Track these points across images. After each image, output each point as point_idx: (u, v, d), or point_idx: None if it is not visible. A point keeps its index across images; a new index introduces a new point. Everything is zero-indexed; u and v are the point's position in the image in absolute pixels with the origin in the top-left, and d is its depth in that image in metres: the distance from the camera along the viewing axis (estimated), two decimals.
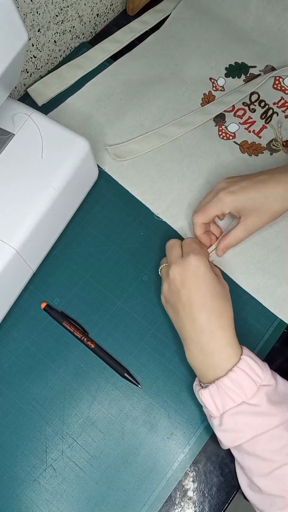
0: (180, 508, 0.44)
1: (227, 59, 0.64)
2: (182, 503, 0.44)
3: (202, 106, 0.60)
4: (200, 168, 0.57)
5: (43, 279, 0.52)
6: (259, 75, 0.63)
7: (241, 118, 0.60)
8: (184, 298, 0.43)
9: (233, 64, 0.63)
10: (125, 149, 0.57)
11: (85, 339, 0.48)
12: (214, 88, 0.62)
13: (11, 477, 0.44)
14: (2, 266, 0.42)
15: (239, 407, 0.40)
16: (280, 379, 0.42)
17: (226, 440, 0.41)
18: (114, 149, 0.57)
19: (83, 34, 0.66)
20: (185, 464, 0.45)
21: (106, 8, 0.67)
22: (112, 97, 0.61)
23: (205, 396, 0.41)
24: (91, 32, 0.68)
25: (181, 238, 0.51)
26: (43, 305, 0.50)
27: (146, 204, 0.55)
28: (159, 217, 0.54)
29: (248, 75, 0.63)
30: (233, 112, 0.60)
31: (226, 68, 0.63)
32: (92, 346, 0.48)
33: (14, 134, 0.47)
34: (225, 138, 0.59)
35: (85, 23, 0.65)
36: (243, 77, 0.62)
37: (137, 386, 0.47)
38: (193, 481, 0.45)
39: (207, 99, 0.61)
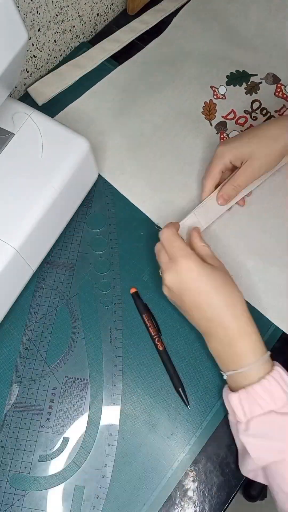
0: (180, 508, 0.44)
1: (228, 67, 0.63)
2: (182, 503, 0.44)
3: (203, 114, 0.60)
4: (201, 177, 0.56)
5: (43, 279, 0.52)
6: (260, 83, 0.62)
7: (243, 126, 0.60)
8: (189, 302, 0.43)
9: (234, 72, 0.63)
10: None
11: (156, 339, 0.48)
12: (215, 96, 0.61)
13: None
14: (2, 266, 0.42)
15: (267, 414, 0.39)
16: None
17: (254, 448, 0.39)
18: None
19: (83, 33, 0.66)
20: (185, 463, 0.45)
21: (106, 7, 0.67)
22: (112, 105, 0.61)
23: (234, 401, 0.40)
24: (91, 32, 0.67)
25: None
26: (132, 290, 0.50)
27: (147, 213, 0.55)
28: (159, 227, 0.54)
29: (249, 83, 0.62)
30: (234, 120, 0.60)
31: (227, 76, 0.63)
32: (161, 348, 0.48)
33: (14, 134, 0.47)
34: None
35: (85, 22, 0.65)
36: (244, 85, 0.62)
37: (186, 406, 0.46)
38: (193, 481, 0.45)
39: (208, 107, 0.60)
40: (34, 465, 0.44)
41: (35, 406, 0.46)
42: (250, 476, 0.42)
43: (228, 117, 0.60)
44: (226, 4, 0.67)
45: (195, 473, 0.45)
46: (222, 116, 0.60)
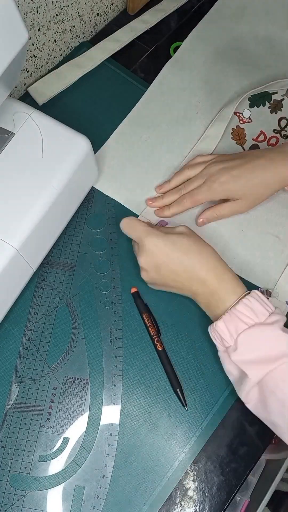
0: (181, 508, 0.44)
1: (246, 87, 0.61)
2: (182, 503, 0.44)
3: (233, 140, 0.59)
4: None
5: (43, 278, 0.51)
6: (282, 99, 0.61)
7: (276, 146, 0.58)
8: (167, 274, 0.46)
9: (255, 93, 0.61)
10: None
11: (155, 339, 0.48)
12: (241, 121, 0.60)
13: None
14: (2, 266, 0.42)
15: (253, 328, 0.41)
16: None
17: (248, 364, 0.41)
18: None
19: (83, 33, 0.66)
20: (185, 463, 0.45)
21: (107, 7, 0.67)
22: (140, 145, 0.59)
23: (220, 326, 0.42)
24: (91, 32, 0.67)
25: None
26: (133, 290, 0.51)
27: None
28: None
29: (272, 102, 0.61)
30: (266, 142, 0.59)
31: (249, 99, 0.61)
32: (160, 348, 0.48)
33: (14, 133, 0.47)
34: None
35: (85, 22, 0.65)
36: (267, 104, 0.61)
37: (184, 407, 0.46)
38: (193, 481, 0.45)
39: (237, 133, 0.59)
40: (34, 465, 0.44)
41: (35, 406, 0.46)
42: (249, 399, 0.43)
43: (258, 139, 0.59)
44: (234, 24, 0.66)
45: (195, 473, 0.45)
46: (253, 139, 0.59)
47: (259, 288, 0.51)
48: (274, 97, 0.62)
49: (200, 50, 0.65)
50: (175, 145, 0.59)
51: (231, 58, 0.64)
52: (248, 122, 0.60)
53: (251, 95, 0.61)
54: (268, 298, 0.50)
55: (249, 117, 0.60)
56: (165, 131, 0.60)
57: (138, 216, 0.55)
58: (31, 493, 0.43)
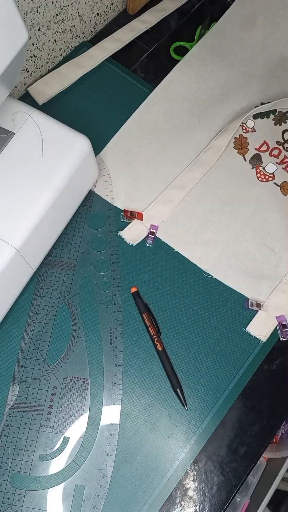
0: (181, 507, 0.44)
1: (252, 101, 0.61)
2: (182, 502, 0.44)
3: (235, 149, 0.58)
4: (242, 216, 0.55)
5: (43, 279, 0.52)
6: (287, 112, 0.60)
7: (278, 158, 0.58)
8: None
9: (259, 105, 0.61)
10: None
11: (155, 339, 0.48)
12: (245, 131, 0.60)
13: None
14: (2, 266, 0.42)
15: None
16: None
17: None
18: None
19: (83, 33, 0.66)
20: (185, 463, 0.45)
21: (107, 7, 0.67)
22: (140, 150, 0.58)
23: None
24: (91, 31, 0.67)
25: (233, 293, 0.51)
26: (133, 290, 0.51)
27: (193, 260, 0.53)
28: (208, 274, 0.52)
29: (276, 114, 0.60)
30: (268, 152, 0.58)
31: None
32: (160, 348, 0.48)
33: (14, 133, 0.47)
34: (264, 180, 0.57)
35: (85, 22, 0.65)
36: (272, 116, 0.60)
37: (184, 407, 0.46)
38: (193, 480, 0.45)
39: (240, 142, 0.59)
40: (35, 465, 0.44)
41: (36, 405, 0.47)
42: None
43: (261, 149, 0.59)
44: (242, 34, 0.66)
45: (195, 473, 0.45)
46: (255, 148, 0.59)
47: (249, 300, 0.51)
48: (279, 109, 0.61)
49: (208, 59, 0.64)
50: (176, 153, 0.58)
51: (238, 70, 0.64)
52: (252, 131, 0.60)
53: (255, 106, 0.60)
54: (257, 311, 0.50)
55: (253, 127, 0.60)
56: (166, 138, 0.59)
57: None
58: (31, 493, 0.44)
